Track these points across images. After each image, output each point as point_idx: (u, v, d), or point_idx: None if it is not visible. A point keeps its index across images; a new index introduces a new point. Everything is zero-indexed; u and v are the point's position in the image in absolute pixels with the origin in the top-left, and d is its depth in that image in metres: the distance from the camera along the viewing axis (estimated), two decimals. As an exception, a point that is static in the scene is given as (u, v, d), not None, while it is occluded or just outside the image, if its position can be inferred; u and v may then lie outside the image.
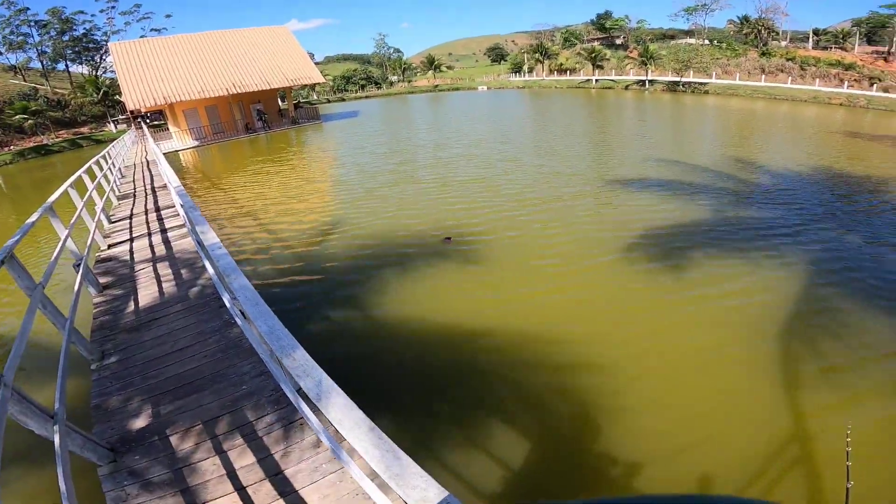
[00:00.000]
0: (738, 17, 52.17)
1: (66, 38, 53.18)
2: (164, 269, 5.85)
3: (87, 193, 7.11)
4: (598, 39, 66.13)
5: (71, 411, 2.72)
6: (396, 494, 1.39)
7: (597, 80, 52.11)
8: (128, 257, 6.56)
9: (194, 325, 4.30)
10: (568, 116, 28.96)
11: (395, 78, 79.58)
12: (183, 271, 5.72)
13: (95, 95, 45.79)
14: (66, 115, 45.98)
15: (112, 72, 45.27)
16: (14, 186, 25.85)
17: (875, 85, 33.51)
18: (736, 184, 12.10)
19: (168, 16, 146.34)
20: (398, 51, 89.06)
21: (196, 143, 29.07)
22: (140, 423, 3.10)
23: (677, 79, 43.09)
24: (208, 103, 30.28)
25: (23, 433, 2.34)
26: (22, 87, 47.90)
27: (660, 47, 50.89)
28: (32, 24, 52.04)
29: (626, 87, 47.69)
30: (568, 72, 58.49)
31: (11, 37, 50.96)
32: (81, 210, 6.15)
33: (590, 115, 30.41)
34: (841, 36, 50.49)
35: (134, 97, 27.49)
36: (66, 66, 56.40)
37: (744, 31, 50.68)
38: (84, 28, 55.00)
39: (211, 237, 3.95)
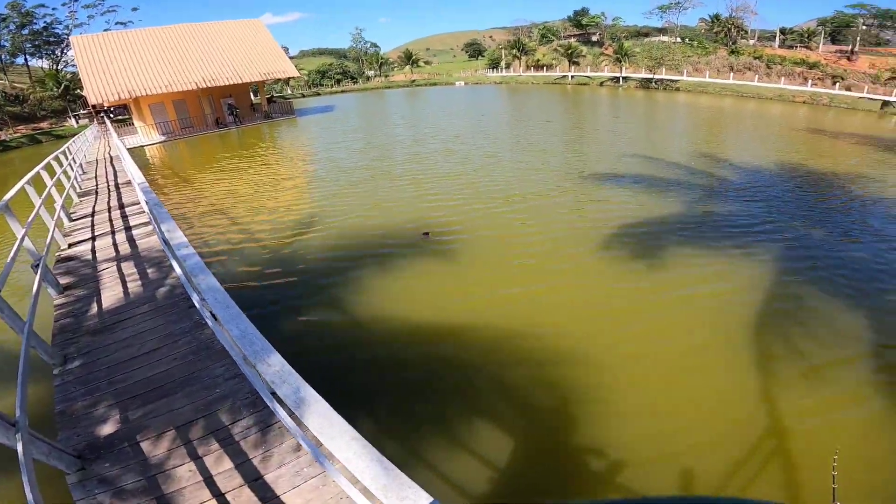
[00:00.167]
0: (710, 16, 53.59)
1: (25, 31, 50.46)
2: (129, 269, 5.58)
3: (46, 190, 6.71)
4: (574, 36, 66.78)
5: (35, 418, 2.60)
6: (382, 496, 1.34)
7: (572, 77, 52.73)
8: (90, 256, 6.23)
9: (162, 326, 4.12)
10: (545, 112, 29.17)
11: (371, 73, 78.55)
12: (149, 271, 5.46)
13: (56, 90, 43.84)
14: (24, 110, 43.79)
15: (73, 66, 43.23)
16: (-33, 184, 24.42)
17: (837, 83, 34.97)
18: (707, 180, 12.47)
19: (135, 9, 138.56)
20: (375, 45, 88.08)
21: (163, 137, 28.01)
22: (108, 428, 2.95)
23: (650, 76, 44.00)
24: (176, 97, 29.19)
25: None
26: (-23, 82, 45.32)
27: (634, 45, 51.91)
28: (-9, 18, 49.21)
29: (601, 84, 48.43)
30: (545, 68, 58.93)
31: (-32, 32, 48.08)
32: (40, 208, 5.78)
33: (566, 110, 30.72)
34: (806, 35, 52.51)
35: (96, 91, 26.32)
36: (26, 59, 53.52)
37: (714, 30, 52.08)
38: (45, 21, 52.35)
39: (178, 236, 3.80)
